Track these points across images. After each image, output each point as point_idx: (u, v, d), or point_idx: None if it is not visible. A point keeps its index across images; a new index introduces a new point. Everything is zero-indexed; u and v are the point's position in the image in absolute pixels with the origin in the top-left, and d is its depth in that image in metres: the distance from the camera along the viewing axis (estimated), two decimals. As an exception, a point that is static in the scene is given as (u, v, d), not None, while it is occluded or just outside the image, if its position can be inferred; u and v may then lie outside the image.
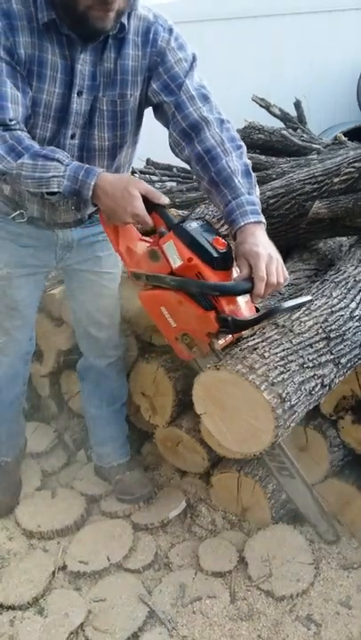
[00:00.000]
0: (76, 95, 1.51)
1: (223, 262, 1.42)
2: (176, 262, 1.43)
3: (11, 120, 1.43)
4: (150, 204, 1.46)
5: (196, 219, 1.57)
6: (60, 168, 1.42)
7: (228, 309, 1.40)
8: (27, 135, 1.46)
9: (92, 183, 1.43)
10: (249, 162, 1.56)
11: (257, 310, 1.48)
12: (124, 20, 1.48)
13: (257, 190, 1.53)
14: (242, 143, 1.57)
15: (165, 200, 1.48)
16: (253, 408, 1.40)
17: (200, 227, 1.45)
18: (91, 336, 1.98)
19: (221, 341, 1.46)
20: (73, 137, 1.57)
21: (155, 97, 1.58)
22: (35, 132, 1.52)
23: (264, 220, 1.48)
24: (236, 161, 1.51)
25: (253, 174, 1.53)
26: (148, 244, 1.53)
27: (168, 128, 1.60)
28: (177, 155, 1.63)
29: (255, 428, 1.42)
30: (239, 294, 1.41)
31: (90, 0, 1.35)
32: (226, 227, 1.56)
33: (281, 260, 1.44)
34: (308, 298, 1.58)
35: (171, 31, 1.57)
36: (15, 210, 1.68)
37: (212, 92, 1.59)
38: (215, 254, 1.41)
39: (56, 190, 1.44)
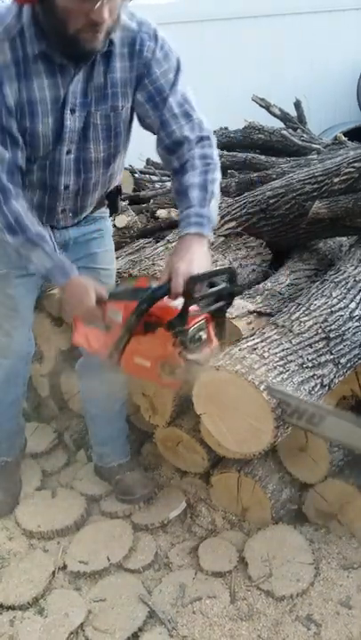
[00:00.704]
0: (69, 113, 1.53)
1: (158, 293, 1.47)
2: (119, 317, 1.52)
3: (6, 187, 1.50)
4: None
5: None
6: (45, 261, 1.57)
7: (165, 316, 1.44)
8: (22, 209, 1.52)
9: (62, 283, 1.59)
10: (215, 177, 1.59)
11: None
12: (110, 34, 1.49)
13: (213, 205, 1.56)
14: (212, 160, 1.60)
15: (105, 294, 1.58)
16: (253, 408, 1.40)
17: (126, 285, 1.60)
18: None
19: (190, 354, 1.46)
20: (69, 152, 1.59)
21: (140, 108, 1.60)
22: (30, 154, 1.55)
23: (207, 233, 1.51)
24: (198, 176, 1.56)
25: (212, 189, 1.56)
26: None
27: (153, 131, 1.64)
28: (164, 166, 1.68)
29: (255, 428, 1.42)
30: (160, 297, 1.44)
31: (79, 23, 1.35)
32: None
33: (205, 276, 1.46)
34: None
35: (156, 38, 1.55)
36: None
37: (194, 101, 1.61)
38: (142, 292, 1.49)
39: (33, 269, 1.61)
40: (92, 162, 1.63)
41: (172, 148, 1.60)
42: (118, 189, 1.87)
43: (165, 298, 1.43)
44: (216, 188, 1.58)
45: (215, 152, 1.61)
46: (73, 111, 1.53)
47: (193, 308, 1.43)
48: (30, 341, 2.00)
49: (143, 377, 1.56)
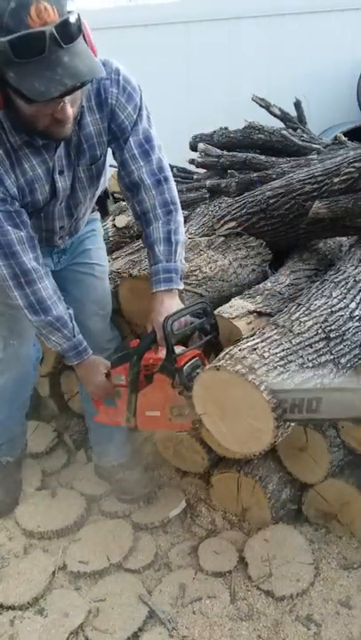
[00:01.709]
0: (58, 175, 1.58)
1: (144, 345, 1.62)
2: (122, 380, 1.67)
3: (30, 270, 1.57)
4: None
5: None
6: (61, 342, 1.69)
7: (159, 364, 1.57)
8: (46, 292, 1.61)
9: (75, 363, 1.75)
10: (177, 224, 1.67)
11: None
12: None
13: (179, 253, 1.67)
14: (173, 205, 1.67)
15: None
16: (253, 408, 1.40)
17: (121, 351, 1.77)
18: (88, 331, 1.99)
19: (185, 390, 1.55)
20: (61, 203, 1.67)
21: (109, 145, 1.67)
22: (31, 211, 1.61)
23: (177, 285, 1.65)
24: (161, 228, 1.65)
25: (177, 239, 1.66)
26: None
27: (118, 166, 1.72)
28: (126, 203, 1.83)
29: (255, 428, 1.42)
30: (148, 346, 1.61)
31: (46, 122, 1.38)
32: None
33: (178, 315, 1.58)
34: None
35: (118, 83, 1.56)
36: None
37: (155, 139, 1.65)
38: (131, 349, 1.65)
39: (50, 346, 1.73)
40: (82, 203, 1.73)
41: (130, 188, 1.69)
42: (106, 193, 1.93)
43: (156, 348, 1.59)
44: (180, 235, 1.68)
45: (174, 193, 1.69)
46: (61, 172, 1.59)
47: (182, 348, 1.56)
48: (36, 346, 2.04)
49: (158, 427, 1.70)
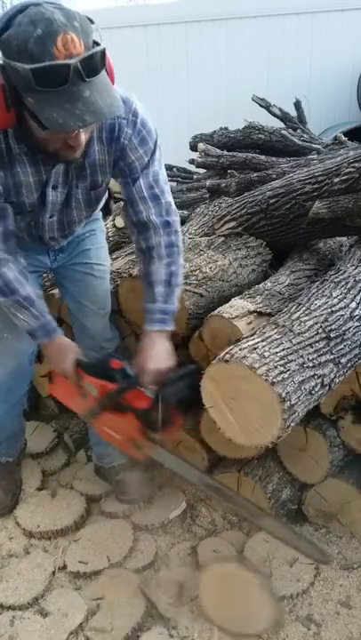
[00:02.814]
0: (51, 189, 1.59)
1: (124, 375, 1.62)
2: (94, 392, 1.66)
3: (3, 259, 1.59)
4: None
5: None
6: (30, 320, 1.66)
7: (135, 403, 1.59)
8: (12, 275, 1.61)
9: (44, 342, 1.71)
10: (178, 267, 1.70)
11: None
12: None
13: (176, 295, 1.69)
14: (177, 248, 1.70)
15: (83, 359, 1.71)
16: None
17: (100, 360, 1.74)
18: (86, 329, 2.01)
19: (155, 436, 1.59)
20: (52, 217, 1.68)
21: (115, 178, 1.69)
22: (18, 219, 1.62)
23: (170, 327, 1.67)
24: (164, 269, 1.68)
25: (176, 282, 1.69)
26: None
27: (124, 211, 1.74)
28: (129, 235, 1.81)
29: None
30: (129, 389, 1.61)
31: (58, 145, 1.38)
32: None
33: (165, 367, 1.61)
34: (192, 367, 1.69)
35: (134, 124, 1.56)
36: None
37: (164, 181, 1.69)
38: (115, 374, 1.63)
39: (19, 325, 1.70)
40: (76, 222, 1.75)
41: (138, 226, 1.70)
42: (109, 193, 1.91)
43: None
44: (180, 278, 1.70)
45: (180, 237, 1.72)
46: (55, 187, 1.59)
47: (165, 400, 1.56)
48: (31, 340, 2.01)
49: (113, 443, 1.70)
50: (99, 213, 1.96)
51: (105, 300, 2.02)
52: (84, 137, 1.37)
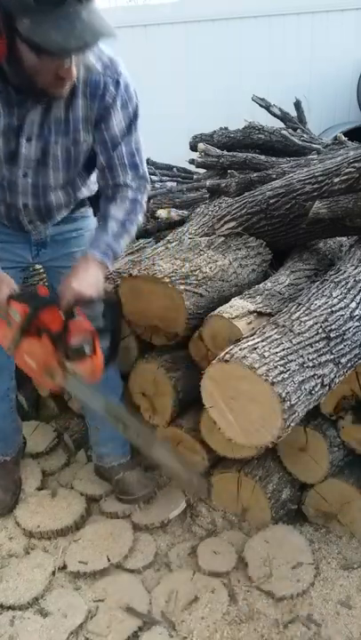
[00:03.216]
0: (25, 141, 1.57)
1: (47, 301, 1.61)
2: (17, 318, 1.61)
3: None
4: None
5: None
6: None
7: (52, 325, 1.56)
8: None
9: None
10: (137, 220, 1.72)
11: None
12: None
13: (124, 242, 1.70)
14: (141, 206, 1.73)
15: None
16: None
17: (31, 289, 1.74)
18: None
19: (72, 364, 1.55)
20: (25, 176, 1.65)
21: (94, 145, 1.67)
22: None
23: (109, 265, 1.67)
24: (123, 211, 1.69)
25: (130, 230, 1.70)
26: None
27: (97, 166, 1.73)
28: (98, 184, 1.80)
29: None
30: (45, 306, 1.58)
31: (48, 80, 1.38)
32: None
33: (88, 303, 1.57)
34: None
35: (117, 84, 1.58)
36: None
37: (143, 149, 1.71)
38: (38, 296, 1.63)
39: None
40: (51, 187, 1.70)
41: (112, 187, 1.71)
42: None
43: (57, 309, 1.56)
44: (133, 231, 1.71)
45: (145, 199, 1.74)
46: (29, 140, 1.57)
47: (81, 321, 1.54)
48: None
49: (30, 375, 1.68)
50: (88, 211, 1.93)
51: None
52: (75, 70, 1.37)
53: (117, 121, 1.61)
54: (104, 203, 1.73)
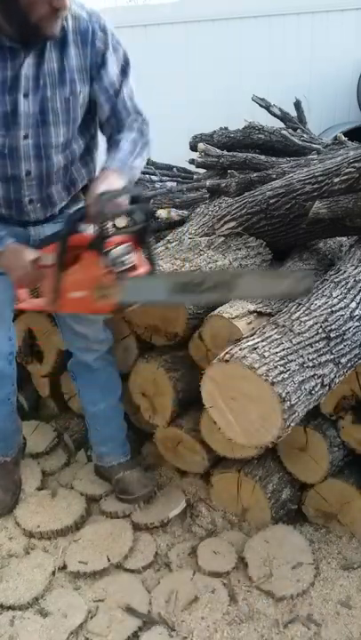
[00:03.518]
0: (22, 97, 1.56)
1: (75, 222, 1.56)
2: (50, 259, 1.59)
3: None
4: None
5: None
6: None
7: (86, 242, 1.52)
8: None
9: None
10: (147, 144, 1.72)
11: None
12: (63, 20, 1.55)
13: (138, 163, 1.69)
14: (147, 137, 1.73)
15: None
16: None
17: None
18: (75, 332, 1.98)
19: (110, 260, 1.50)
20: (26, 137, 1.63)
21: (94, 96, 1.69)
22: None
23: (126, 179, 1.62)
24: (133, 135, 1.69)
25: (141, 151, 1.69)
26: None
27: (100, 121, 1.75)
28: (101, 132, 1.80)
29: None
30: (78, 220, 1.54)
31: (42, 11, 1.40)
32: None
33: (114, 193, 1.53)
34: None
35: (105, 30, 1.62)
36: None
37: (139, 96, 1.73)
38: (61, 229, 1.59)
39: None
40: (52, 146, 1.67)
41: (117, 130, 1.71)
42: None
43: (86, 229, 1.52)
44: (145, 154, 1.71)
45: (150, 137, 1.74)
46: (26, 95, 1.57)
47: (113, 230, 1.51)
48: (11, 341, 2.00)
49: (82, 309, 1.65)
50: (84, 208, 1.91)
51: None
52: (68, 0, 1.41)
53: (113, 65, 1.64)
54: (113, 136, 1.72)
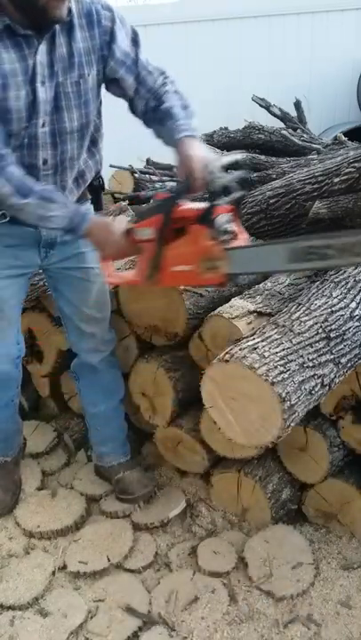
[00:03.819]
0: (39, 85, 1.57)
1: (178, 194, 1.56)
2: (149, 233, 1.57)
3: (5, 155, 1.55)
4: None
5: None
6: (63, 211, 1.59)
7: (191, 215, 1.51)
8: (21, 172, 1.57)
9: (85, 226, 1.62)
10: (190, 104, 1.72)
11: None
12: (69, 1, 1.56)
13: (195, 122, 1.68)
14: (183, 94, 1.74)
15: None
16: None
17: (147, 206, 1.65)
18: (82, 333, 1.98)
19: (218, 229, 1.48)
20: (44, 125, 1.62)
21: (114, 73, 1.68)
22: (9, 129, 1.57)
23: (198, 137, 1.64)
24: (178, 101, 1.70)
25: (192, 110, 1.70)
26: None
27: (129, 98, 1.74)
28: (133, 112, 1.79)
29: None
30: (183, 193, 1.54)
31: None
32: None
33: (212, 160, 1.55)
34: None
35: (109, 8, 1.65)
36: None
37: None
38: (160, 201, 1.58)
39: (54, 227, 1.62)
40: (67, 132, 1.67)
41: (153, 97, 1.71)
42: (101, 186, 1.89)
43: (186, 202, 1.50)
44: (193, 111, 1.71)
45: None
46: (43, 83, 1.57)
47: (222, 207, 1.48)
48: (19, 345, 1.98)
49: (186, 283, 1.63)
50: (90, 207, 1.88)
51: (105, 304, 1.98)
52: None
53: (123, 38, 1.65)
54: (155, 113, 1.72)
